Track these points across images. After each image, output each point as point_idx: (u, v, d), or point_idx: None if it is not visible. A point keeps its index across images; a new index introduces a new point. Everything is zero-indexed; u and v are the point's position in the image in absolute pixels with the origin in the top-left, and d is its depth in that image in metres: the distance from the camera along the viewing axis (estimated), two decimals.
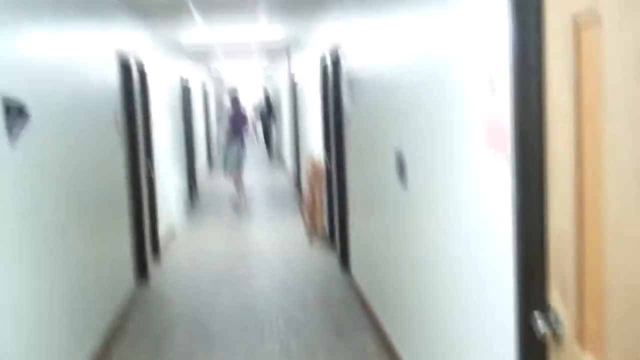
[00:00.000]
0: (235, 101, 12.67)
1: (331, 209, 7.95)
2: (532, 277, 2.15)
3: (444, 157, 3.12)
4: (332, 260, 7.62)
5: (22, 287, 3.42)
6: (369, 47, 4.90)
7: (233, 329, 5.39)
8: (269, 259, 7.83)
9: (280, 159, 19.95)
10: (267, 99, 22.93)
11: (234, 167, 12.00)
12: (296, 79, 12.43)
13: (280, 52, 13.48)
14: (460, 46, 2.78)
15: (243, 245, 8.73)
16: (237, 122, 12.24)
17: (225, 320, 5.64)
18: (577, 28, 1.81)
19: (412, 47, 3.64)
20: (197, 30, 8.76)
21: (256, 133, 28.32)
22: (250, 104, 28.95)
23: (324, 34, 7.57)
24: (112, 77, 5.94)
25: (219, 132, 12.09)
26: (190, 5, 6.38)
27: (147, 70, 7.77)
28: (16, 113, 3.44)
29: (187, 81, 13.00)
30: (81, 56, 4.86)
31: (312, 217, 8.68)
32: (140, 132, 7.17)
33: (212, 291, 6.55)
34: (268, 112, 22.33)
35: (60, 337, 4.02)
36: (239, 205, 11.87)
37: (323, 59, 7.60)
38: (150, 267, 7.24)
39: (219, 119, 22.92)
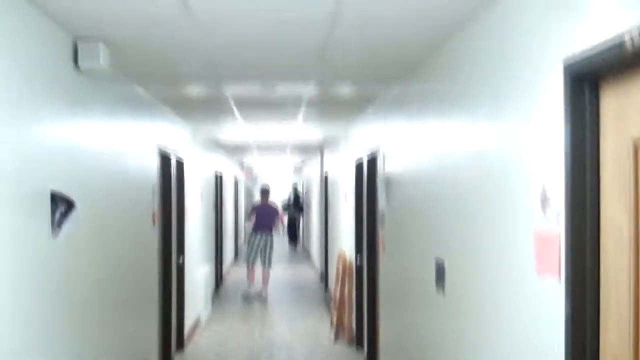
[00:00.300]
0: (265, 193, 12.73)
1: (360, 307, 7.87)
2: None
3: (488, 268, 3.10)
4: (358, 359, 7.48)
5: None
6: (409, 151, 4.96)
7: None
8: (293, 355, 7.71)
9: (307, 253, 19.90)
10: (295, 193, 23.16)
11: (261, 259, 11.98)
12: (329, 176, 12.54)
13: (314, 149, 13.68)
14: (511, 156, 2.80)
15: (267, 338, 8.62)
16: (265, 215, 12.27)
17: None
18: (637, 153, 1.83)
19: (456, 154, 3.68)
20: (236, 128, 8.95)
21: (283, 226, 28.41)
22: (278, 197, 29.14)
23: (361, 135, 7.68)
24: (153, 170, 6.05)
25: (247, 224, 12.25)
26: (232, 104, 6.54)
27: (185, 165, 7.92)
28: (62, 206, 3.51)
29: (220, 175, 13.21)
30: (125, 150, 4.98)
31: (339, 314, 8.58)
32: (175, 222, 7.26)
33: None
34: (295, 206, 22.49)
35: None
36: (259, 296, 11.82)
37: (359, 159, 7.69)
38: (173, 356, 7.16)
39: (247, 211, 23.10)
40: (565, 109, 2.19)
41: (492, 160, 3.04)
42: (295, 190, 23.31)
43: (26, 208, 3.05)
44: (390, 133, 5.81)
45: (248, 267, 12.17)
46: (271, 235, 12.26)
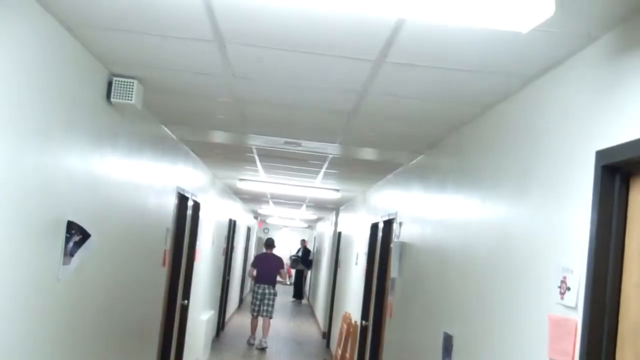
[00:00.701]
0: (269, 245, 12.75)
1: None
2: None
3: (498, 347, 3.05)
4: None
5: None
6: (426, 221, 4.95)
7: None
8: None
9: (311, 309, 19.73)
10: (304, 249, 23.13)
11: (262, 310, 11.97)
12: (342, 235, 12.51)
13: (330, 207, 13.68)
14: (532, 237, 2.77)
15: None
16: (268, 265, 12.24)
17: None
18: None
19: (474, 229, 3.66)
20: (256, 177, 9.00)
21: (290, 278, 28.37)
22: (289, 250, 29.10)
23: (380, 199, 7.68)
24: (169, 210, 6.07)
25: (248, 276, 12.35)
26: (255, 155, 6.58)
27: (201, 208, 7.94)
28: (77, 235, 3.51)
29: (234, 222, 13.22)
30: (145, 187, 5.00)
31: None
32: (184, 264, 7.24)
33: None
34: (304, 262, 22.44)
35: None
36: (260, 345, 11.83)
37: (375, 222, 7.68)
38: None
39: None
40: (594, 198, 2.17)
41: (512, 238, 3.02)
42: (304, 245, 23.29)
43: (42, 233, 3.05)
44: (408, 201, 5.81)
45: (252, 316, 12.16)
46: (273, 287, 12.23)
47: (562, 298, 2.35)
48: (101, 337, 4.24)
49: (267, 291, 12.06)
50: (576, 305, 2.24)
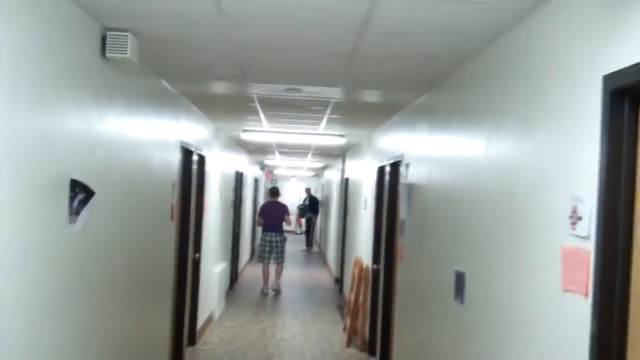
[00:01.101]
0: (274, 193, 13.11)
1: (374, 314, 7.81)
2: None
3: (510, 281, 3.04)
4: None
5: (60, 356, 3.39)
6: (434, 160, 4.90)
7: None
8: (304, 358, 7.66)
9: (322, 256, 19.85)
10: (311, 197, 23.18)
11: (274, 256, 12.28)
12: (349, 181, 12.50)
13: (336, 153, 13.64)
14: (541, 169, 2.73)
15: (278, 339, 8.58)
16: (274, 213, 12.54)
17: None
18: None
19: (482, 165, 3.61)
20: (259, 128, 8.94)
21: (300, 227, 28.57)
22: (296, 200, 29.20)
23: (385, 141, 7.63)
24: (174, 165, 6.04)
25: (259, 220, 12.76)
26: (257, 104, 6.51)
27: (206, 161, 7.91)
28: (81, 193, 3.49)
29: (241, 174, 13.22)
30: (147, 142, 4.96)
31: (353, 320, 8.52)
32: (193, 218, 7.25)
33: None
34: (311, 209, 22.50)
35: None
36: (274, 290, 12.31)
37: (381, 166, 7.64)
38: (184, 351, 7.14)
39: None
40: (603, 124, 2.12)
41: (520, 173, 2.98)
42: (309, 193, 23.32)
43: (45, 193, 3.03)
44: (414, 141, 5.76)
45: (263, 265, 12.41)
46: (281, 233, 12.54)
47: (573, 228, 2.32)
48: (113, 293, 4.25)
49: (275, 238, 12.35)
50: (588, 235, 2.21)
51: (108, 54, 3.69)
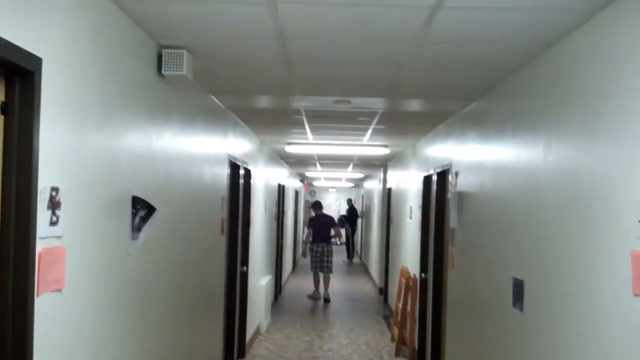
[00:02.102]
0: (317, 206, 13.76)
1: (423, 323, 7.77)
2: None
3: (574, 288, 3.01)
4: None
5: None
6: (485, 169, 4.88)
7: None
8: None
9: (364, 267, 19.82)
10: (352, 208, 23.15)
11: (321, 267, 12.88)
12: (392, 191, 12.48)
13: (377, 164, 13.64)
14: (606, 174, 2.70)
15: (326, 349, 8.59)
16: (322, 225, 13.18)
17: None
18: None
19: (540, 171, 3.59)
20: (303, 140, 8.99)
21: (341, 238, 28.56)
22: (336, 210, 29.21)
23: (432, 151, 7.62)
24: (223, 179, 6.11)
25: (304, 236, 13.27)
26: (303, 116, 6.56)
27: (252, 175, 7.99)
28: (143, 210, 3.55)
29: (283, 186, 13.31)
30: (199, 158, 5.03)
31: (401, 329, 8.50)
32: (240, 232, 7.31)
33: None
34: (350, 221, 22.49)
35: None
36: (324, 298, 12.80)
37: (428, 175, 7.62)
38: None
39: (305, 222, 23.26)
40: None
41: (582, 178, 2.96)
42: (350, 205, 23.30)
43: (109, 210, 3.09)
44: (464, 150, 5.74)
45: (313, 273, 13.12)
46: (329, 244, 13.12)
47: None
48: (172, 307, 4.31)
49: (325, 249, 12.98)
50: None
51: (164, 72, 3.76)
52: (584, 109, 2.98)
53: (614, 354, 2.55)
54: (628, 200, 2.44)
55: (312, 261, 13.08)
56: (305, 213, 24.53)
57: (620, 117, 2.58)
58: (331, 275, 13.26)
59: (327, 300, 12.74)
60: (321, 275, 12.98)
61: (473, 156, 5.34)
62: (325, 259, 12.90)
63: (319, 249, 12.95)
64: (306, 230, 13.33)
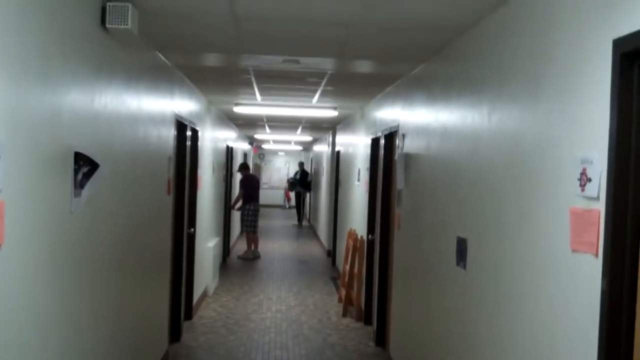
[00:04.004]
0: (243, 167, 13.92)
1: (370, 284, 7.88)
2: None
3: (515, 245, 3.08)
4: (366, 334, 7.51)
5: (55, 338, 3.41)
6: (431, 130, 4.93)
7: None
8: (301, 328, 7.73)
9: (313, 230, 19.92)
10: (303, 171, 23.16)
11: (249, 226, 13.28)
12: (341, 154, 12.52)
13: (326, 127, 13.64)
14: (546, 134, 2.76)
15: (275, 311, 8.64)
16: (252, 186, 13.43)
17: None
18: None
19: (484, 132, 3.65)
20: (252, 101, 8.92)
21: (288, 201, 28.67)
22: (285, 174, 29.24)
23: (379, 113, 7.64)
24: (169, 139, 6.03)
25: (237, 196, 13.38)
26: (252, 76, 6.50)
27: (199, 135, 7.91)
28: (86, 166, 3.49)
29: (231, 149, 13.22)
30: (145, 116, 4.95)
31: (348, 290, 8.60)
32: (187, 193, 7.25)
33: (244, 357, 6.46)
34: (302, 184, 22.50)
35: None
36: (251, 254, 13.37)
37: (376, 137, 7.66)
38: (182, 326, 7.18)
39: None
40: (613, 87, 2.16)
41: (525, 138, 3.01)
42: (302, 168, 23.30)
43: (51, 166, 3.03)
44: (411, 112, 5.77)
45: (245, 234, 13.71)
46: (257, 204, 13.51)
47: (582, 190, 2.36)
48: (116, 266, 4.27)
49: (253, 208, 13.34)
50: (598, 196, 2.25)
51: (108, 25, 3.67)
52: (527, 70, 3.02)
53: (551, 308, 2.62)
54: (569, 159, 2.49)
55: (243, 223, 13.52)
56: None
57: (562, 78, 2.62)
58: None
59: (256, 257, 13.38)
60: (249, 235, 13.49)
61: (420, 118, 5.38)
62: (251, 218, 13.24)
63: (250, 209, 13.24)
64: (240, 191, 13.49)
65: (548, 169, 2.72)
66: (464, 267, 3.87)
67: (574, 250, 2.42)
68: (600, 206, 2.23)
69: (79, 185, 3.41)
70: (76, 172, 3.37)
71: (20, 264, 2.69)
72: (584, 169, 2.35)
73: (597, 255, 2.24)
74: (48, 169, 2.99)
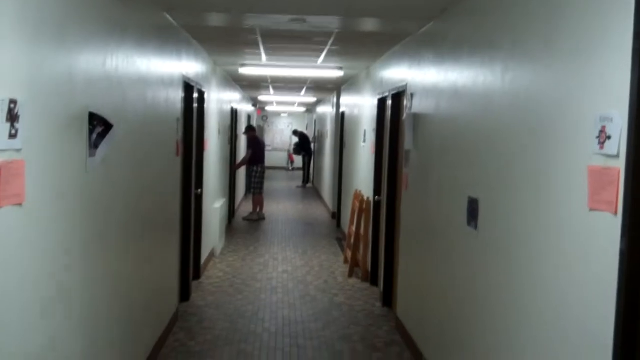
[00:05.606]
0: (250, 128, 13.94)
1: (376, 245, 7.92)
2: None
3: (530, 204, 3.09)
4: (373, 295, 7.57)
5: (74, 296, 3.46)
6: (441, 90, 4.91)
7: (277, 354, 5.37)
8: (307, 288, 7.80)
9: (317, 192, 19.96)
10: (302, 135, 23.07)
11: (255, 188, 13.40)
12: (345, 115, 12.48)
13: (331, 87, 13.58)
14: (563, 92, 2.75)
15: (281, 271, 8.71)
16: (258, 148, 13.47)
17: (267, 345, 5.62)
18: None
19: (497, 91, 3.63)
20: (257, 62, 8.87)
21: (292, 163, 28.71)
22: (288, 136, 29.20)
23: (386, 73, 7.61)
24: (178, 100, 6.02)
25: (244, 157, 13.44)
26: (258, 35, 6.46)
27: (206, 96, 7.89)
28: (100, 127, 3.49)
29: (236, 110, 13.19)
30: (154, 78, 4.94)
31: (354, 251, 8.65)
32: (195, 154, 7.26)
33: (252, 315, 6.53)
34: (303, 148, 22.45)
35: (109, 348, 4.04)
36: (256, 215, 13.48)
37: (382, 97, 7.63)
38: (191, 286, 7.25)
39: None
40: (635, 42, 2.14)
41: (541, 97, 3.00)
42: (299, 134, 23.09)
43: (68, 126, 3.04)
44: (419, 71, 5.74)
45: (250, 195, 13.93)
46: (264, 165, 13.61)
47: (601, 148, 2.36)
48: (129, 225, 4.30)
49: (259, 170, 13.46)
50: (618, 153, 2.25)
51: None
52: (542, 25, 2.99)
53: (566, 267, 2.64)
54: (587, 117, 2.49)
55: (249, 184, 13.81)
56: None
57: (580, 32, 2.60)
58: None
59: (261, 218, 13.51)
60: (255, 196, 13.58)
61: (429, 78, 5.36)
62: (257, 180, 13.33)
63: (258, 169, 13.35)
64: (249, 152, 13.49)
65: (565, 128, 2.71)
66: (476, 227, 3.89)
67: (591, 209, 2.43)
68: (620, 164, 2.23)
69: (94, 145, 3.43)
70: (91, 132, 3.38)
71: (40, 222, 2.71)
72: (603, 127, 2.34)
73: (615, 213, 2.25)
74: (65, 128, 3.00)
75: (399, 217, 6.66)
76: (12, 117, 2.32)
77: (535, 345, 2.96)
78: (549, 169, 2.86)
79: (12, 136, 2.33)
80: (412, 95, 5.91)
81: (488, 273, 3.66)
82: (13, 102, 2.32)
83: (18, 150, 2.40)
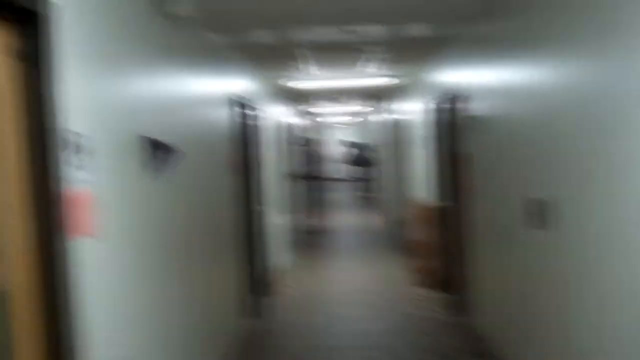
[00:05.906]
0: (307, 143, 14.49)
1: (444, 252, 7.81)
2: None
3: (605, 204, 2.99)
4: (445, 303, 7.47)
5: (143, 313, 3.48)
6: (495, 93, 4.82)
7: None
8: (378, 299, 7.74)
9: (375, 202, 19.89)
10: (361, 145, 23.04)
11: (316, 201, 13.71)
12: (400, 123, 12.41)
13: (382, 95, 13.53)
14: (633, 87, 2.67)
15: (350, 282, 8.68)
16: (315, 165, 13.68)
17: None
18: None
19: (558, 92, 3.54)
20: (305, 75, 8.89)
21: (348, 176, 28.72)
22: (341, 148, 29.20)
23: (438, 78, 7.53)
24: (231, 120, 6.06)
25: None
26: (306, 50, 6.46)
27: (259, 115, 7.94)
28: (162, 152, 3.54)
29: (289, 124, 13.25)
30: (205, 98, 4.99)
31: (422, 259, 8.55)
32: (253, 171, 7.30)
33: (325, 329, 6.50)
34: (361, 158, 22.42)
35: None
36: (318, 228, 13.68)
37: (437, 103, 7.55)
38: (261, 303, 7.27)
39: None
40: None
41: (609, 93, 2.90)
42: (354, 146, 23.04)
43: (131, 154, 3.08)
44: (472, 73, 5.66)
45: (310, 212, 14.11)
46: (323, 178, 14.15)
47: None
48: (195, 246, 4.33)
49: (320, 188, 13.84)
50: None
51: (167, 8, 3.68)
52: (597, 21, 2.90)
53: None
54: None
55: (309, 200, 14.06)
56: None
57: (636, 26, 2.51)
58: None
59: (324, 231, 13.78)
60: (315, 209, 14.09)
61: (483, 79, 5.27)
62: (318, 193, 13.86)
63: (318, 183, 13.80)
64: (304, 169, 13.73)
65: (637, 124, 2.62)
66: (547, 229, 3.79)
67: None
68: None
69: (158, 169, 3.47)
70: (153, 156, 3.42)
71: (114, 251, 2.74)
72: None
73: None
74: (128, 156, 3.04)
75: (465, 223, 6.56)
76: (79, 149, 2.35)
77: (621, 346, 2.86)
78: (622, 165, 2.77)
79: (80, 168, 2.36)
80: (467, 98, 5.83)
81: (564, 276, 3.56)
82: (79, 135, 2.36)
83: (87, 182, 2.44)
